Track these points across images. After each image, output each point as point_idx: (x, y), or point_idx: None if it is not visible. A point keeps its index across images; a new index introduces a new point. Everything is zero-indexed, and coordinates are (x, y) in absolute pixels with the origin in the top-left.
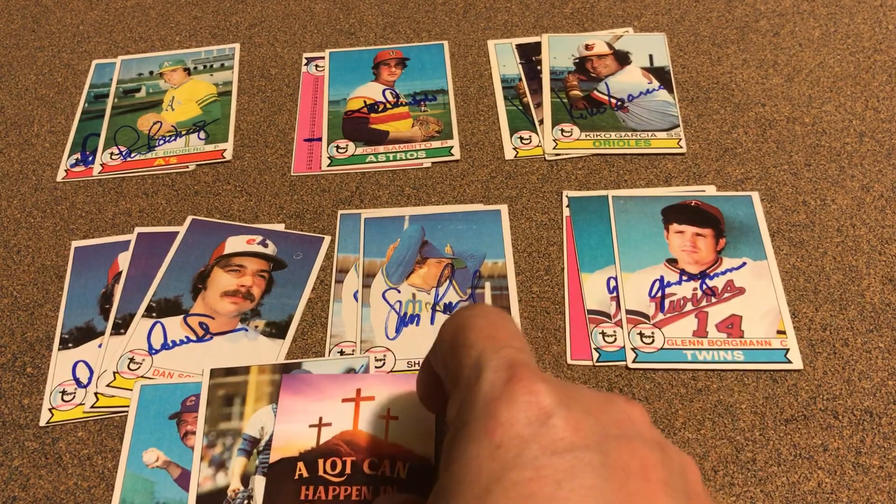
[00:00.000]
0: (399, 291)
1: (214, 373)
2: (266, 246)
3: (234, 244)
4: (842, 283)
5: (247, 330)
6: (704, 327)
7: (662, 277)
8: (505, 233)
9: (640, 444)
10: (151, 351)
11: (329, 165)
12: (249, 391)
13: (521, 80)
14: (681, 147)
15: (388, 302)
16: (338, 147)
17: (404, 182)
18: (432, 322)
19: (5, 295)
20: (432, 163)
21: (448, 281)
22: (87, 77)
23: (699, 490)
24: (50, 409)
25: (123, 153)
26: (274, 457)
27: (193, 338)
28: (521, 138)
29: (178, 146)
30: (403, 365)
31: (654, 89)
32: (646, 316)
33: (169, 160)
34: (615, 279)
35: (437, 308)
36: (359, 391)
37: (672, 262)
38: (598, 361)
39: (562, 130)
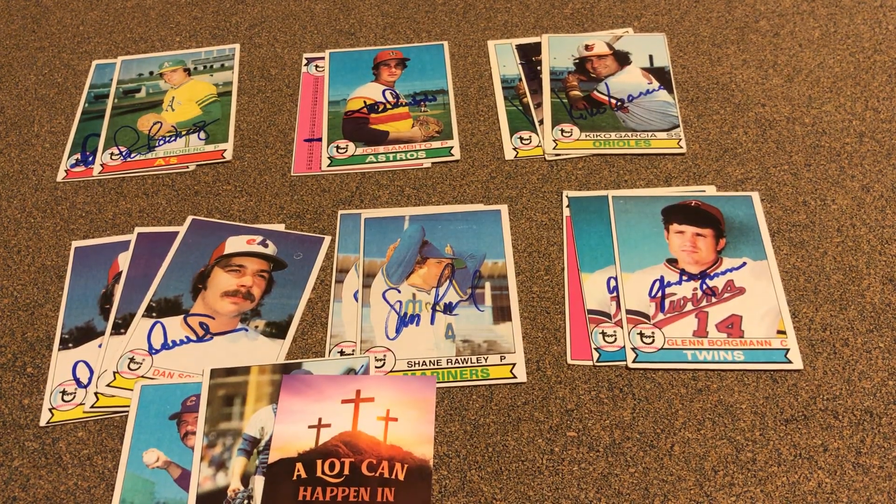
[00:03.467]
0: (399, 291)
1: (215, 373)
2: (266, 246)
3: (234, 244)
4: (842, 283)
5: (247, 330)
6: (704, 327)
7: (662, 277)
8: (505, 233)
9: None
10: (151, 351)
11: (329, 165)
12: (250, 391)
13: (521, 80)
14: (681, 147)
15: (388, 302)
16: (338, 147)
17: (404, 182)
18: (432, 322)
19: (5, 295)
20: (432, 163)
21: (448, 281)
22: (87, 77)
23: None
24: (50, 409)
25: (123, 153)
26: (273, 457)
27: (193, 338)
28: (521, 138)
29: (178, 146)
30: (403, 365)
31: (654, 89)
32: (646, 316)
33: (169, 160)
34: (615, 279)
35: (437, 308)
36: (358, 392)
37: (672, 262)
38: (598, 361)
39: (562, 130)
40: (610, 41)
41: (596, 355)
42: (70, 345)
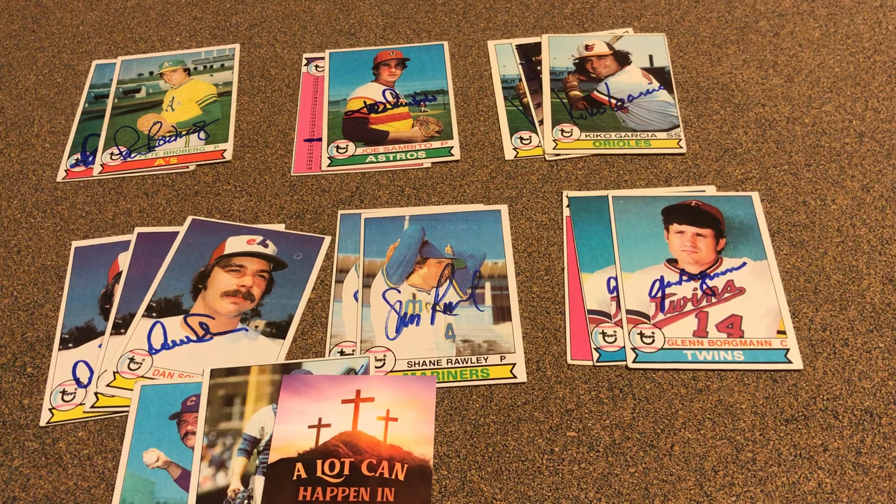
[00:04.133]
0: (399, 291)
1: (215, 373)
2: (266, 246)
3: (234, 244)
4: (842, 283)
5: (247, 330)
6: (704, 327)
7: (662, 277)
8: (505, 233)
9: None
10: (151, 351)
11: (329, 166)
12: (250, 391)
13: (521, 80)
14: (681, 147)
15: (388, 302)
16: (338, 147)
17: (404, 182)
18: (432, 322)
19: (5, 295)
20: (432, 163)
21: (448, 281)
22: (87, 77)
23: None
24: (50, 409)
25: (123, 153)
26: (273, 457)
27: (193, 338)
28: (521, 138)
29: (178, 146)
30: (403, 365)
31: (654, 90)
32: (646, 316)
33: (169, 160)
34: (615, 279)
35: (437, 308)
36: (358, 392)
37: (672, 262)
38: (598, 361)
39: (562, 131)
40: (610, 41)
41: (596, 355)
42: (70, 345)
